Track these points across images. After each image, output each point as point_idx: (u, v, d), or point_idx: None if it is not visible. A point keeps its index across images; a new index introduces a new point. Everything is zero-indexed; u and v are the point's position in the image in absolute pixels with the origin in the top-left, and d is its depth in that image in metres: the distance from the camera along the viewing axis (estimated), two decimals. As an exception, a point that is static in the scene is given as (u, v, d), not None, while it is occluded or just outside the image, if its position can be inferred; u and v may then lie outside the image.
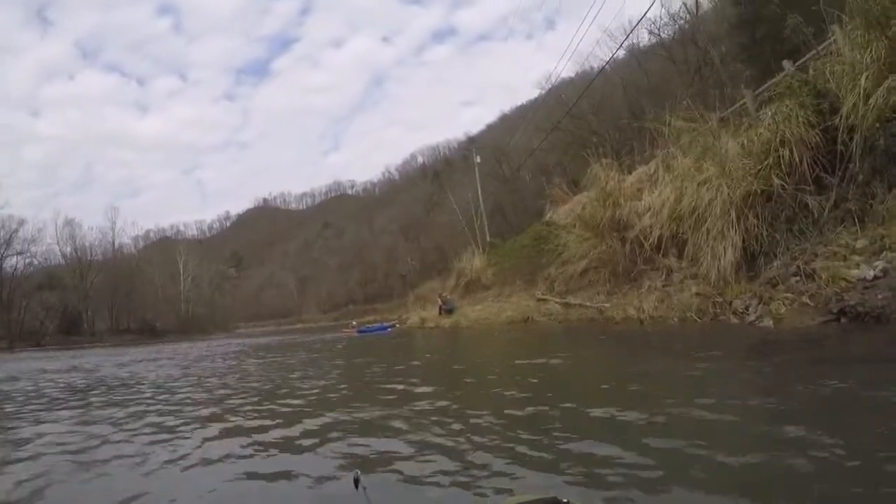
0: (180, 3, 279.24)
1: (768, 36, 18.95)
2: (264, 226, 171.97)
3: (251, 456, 3.87)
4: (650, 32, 32.64)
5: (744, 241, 9.13)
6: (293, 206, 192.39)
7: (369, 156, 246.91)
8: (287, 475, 3.34)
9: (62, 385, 11.04)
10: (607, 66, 30.17)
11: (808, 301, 7.24)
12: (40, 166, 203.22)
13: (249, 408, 5.98)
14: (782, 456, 2.60)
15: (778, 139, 8.85)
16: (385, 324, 31.93)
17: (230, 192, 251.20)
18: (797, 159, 8.54)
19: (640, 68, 34.78)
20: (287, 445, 4.10)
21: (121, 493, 3.13)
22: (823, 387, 3.93)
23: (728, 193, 9.38)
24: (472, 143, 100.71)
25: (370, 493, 2.09)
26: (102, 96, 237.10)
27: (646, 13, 22.11)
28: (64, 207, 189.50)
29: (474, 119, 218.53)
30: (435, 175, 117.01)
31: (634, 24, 24.61)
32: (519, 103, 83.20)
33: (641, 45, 35.36)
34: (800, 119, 8.62)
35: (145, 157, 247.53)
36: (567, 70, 52.05)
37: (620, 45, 28.58)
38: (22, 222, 61.92)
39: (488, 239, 39.85)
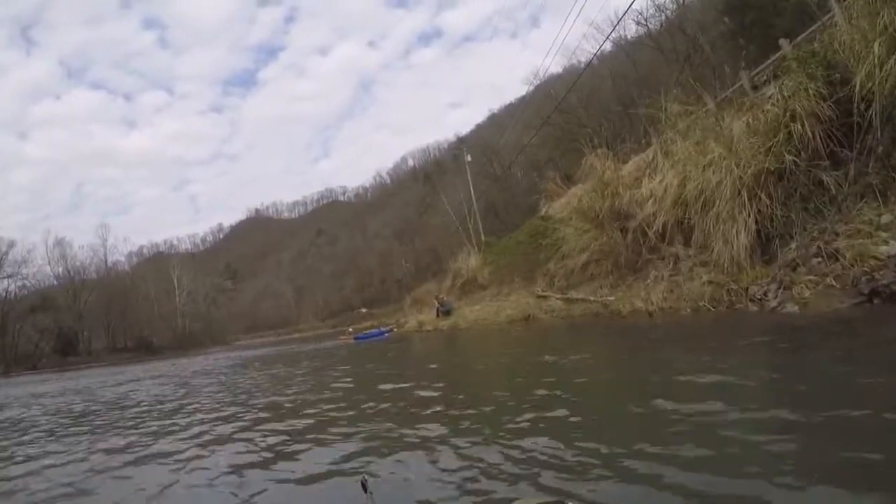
0: (165, 16, 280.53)
1: (758, 21, 18.66)
2: (258, 236, 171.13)
3: (253, 473, 3.66)
4: (637, 23, 32.27)
5: (757, 223, 8.66)
6: (286, 214, 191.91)
7: (359, 161, 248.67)
8: (291, 484, 3.30)
9: (52, 411, 10.42)
10: (595, 58, 29.77)
11: (833, 283, 6.77)
12: (29, 189, 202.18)
13: (249, 427, 5.47)
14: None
15: (787, 114, 8.40)
16: (382, 329, 31.18)
17: (221, 204, 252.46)
18: (809, 134, 8.08)
19: (628, 59, 34.43)
20: (289, 461, 3.88)
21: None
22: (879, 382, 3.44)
23: (738, 174, 8.90)
24: (462, 143, 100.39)
25: (377, 497, 2.15)
26: (89, 114, 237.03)
27: (632, 4, 21.49)
28: (55, 228, 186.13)
29: (463, 120, 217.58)
30: (426, 177, 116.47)
31: (621, 15, 24.03)
32: (507, 102, 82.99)
33: (629, 36, 35.05)
34: (810, 91, 8.17)
35: (134, 174, 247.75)
36: (555, 65, 51.87)
37: (607, 37, 28.15)
38: (12, 244, 61.01)
39: (483, 238, 39.38)
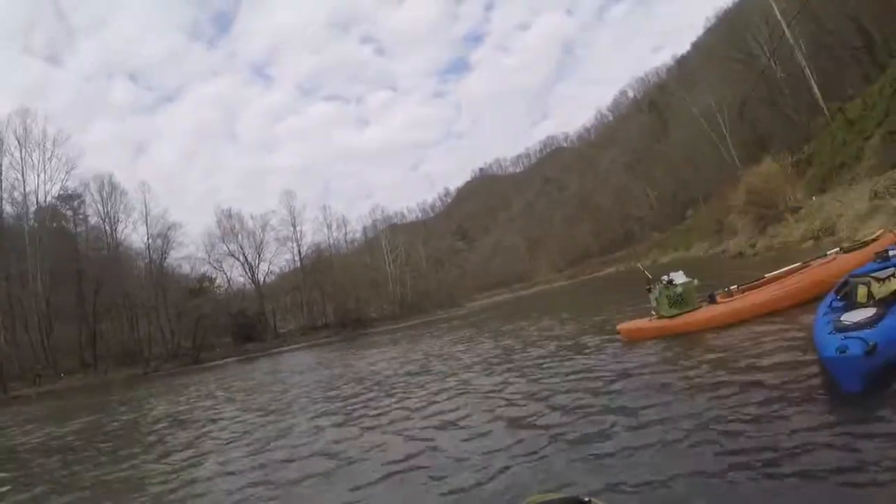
0: (378, 32, 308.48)
1: None
2: (484, 195, 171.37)
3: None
4: None
5: None
6: (510, 169, 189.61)
7: (575, 119, 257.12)
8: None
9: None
10: None
11: None
12: (281, 191, 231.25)
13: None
14: None
15: None
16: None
17: (452, 177, 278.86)
18: None
19: None
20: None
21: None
22: None
23: None
24: (681, 64, 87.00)
25: None
26: (327, 121, 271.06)
27: None
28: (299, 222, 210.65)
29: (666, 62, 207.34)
30: (651, 104, 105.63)
31: None
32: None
33: None
34: None
35: (373, 162, 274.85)
36: None
37: None
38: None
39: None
